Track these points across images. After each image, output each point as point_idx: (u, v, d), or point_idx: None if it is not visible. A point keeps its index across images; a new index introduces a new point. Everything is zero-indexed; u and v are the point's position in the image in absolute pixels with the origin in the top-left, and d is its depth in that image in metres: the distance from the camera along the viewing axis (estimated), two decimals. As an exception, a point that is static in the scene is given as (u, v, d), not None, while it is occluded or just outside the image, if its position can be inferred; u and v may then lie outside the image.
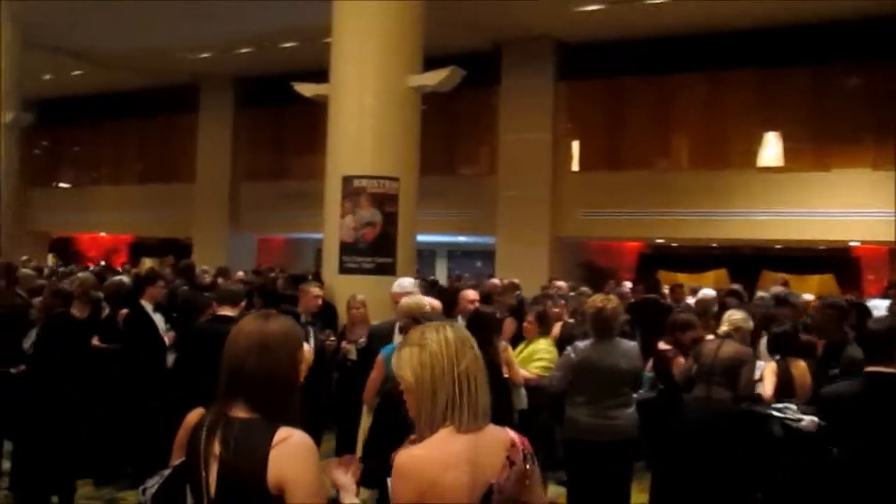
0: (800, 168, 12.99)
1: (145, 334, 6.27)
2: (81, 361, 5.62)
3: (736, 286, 9.85)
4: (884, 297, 9.58)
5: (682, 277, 14.21)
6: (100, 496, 6.02)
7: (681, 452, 5.15)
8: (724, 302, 7.72)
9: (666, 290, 10.07)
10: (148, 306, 6.42)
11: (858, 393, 3.70)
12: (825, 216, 12.37)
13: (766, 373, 5.28)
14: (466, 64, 9.07)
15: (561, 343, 5.88)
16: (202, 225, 18.70)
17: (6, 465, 5.99)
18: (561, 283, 9.98)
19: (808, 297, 9.48)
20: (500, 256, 14.89)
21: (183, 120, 19.57)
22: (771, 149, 13.58)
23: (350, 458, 2.23)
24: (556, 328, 6.50)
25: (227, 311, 5.19)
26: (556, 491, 5.74)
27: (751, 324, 5.48)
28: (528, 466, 2.05)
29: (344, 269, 8.16)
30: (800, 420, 4.78)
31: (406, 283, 6.15)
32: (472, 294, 6.45)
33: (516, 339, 6.24)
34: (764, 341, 5.92)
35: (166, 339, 6.36)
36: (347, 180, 8.18)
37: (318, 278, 8.30)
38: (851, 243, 13.34)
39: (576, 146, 15.38)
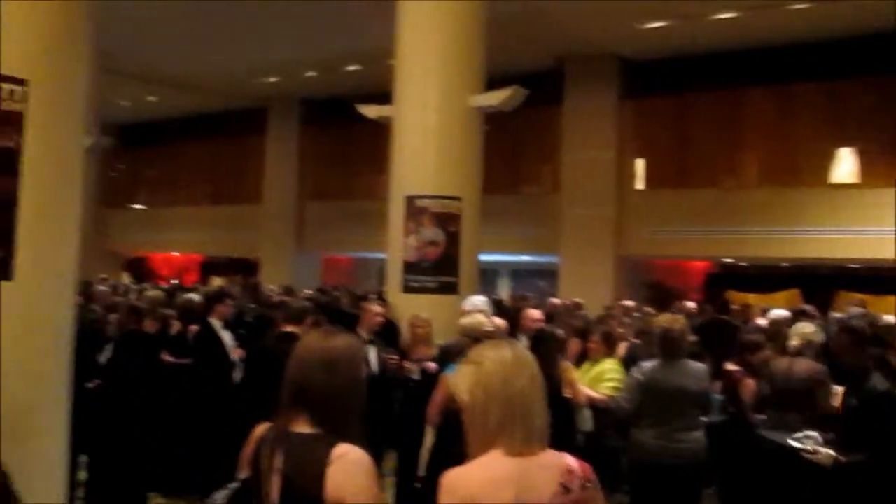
0: (874, 184, 12.51)
1: (214, 351, 6.41)
2: (153, 376, 5.78)
3: (807, 307, 9.52)
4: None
5: (752, 298, 13.82)
6: (169, 509, 6.16)
7: (751, 479, 4.97)
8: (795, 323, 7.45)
9: (735, 308, 9.82)
10: (217, 323, 6.57)
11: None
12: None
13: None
14: (529, 82, 9.06)
15: (626, 364, 5.77)
16: (269, 244, 19.10)
17: (83, 476, 6.17)
18: (628, 303, 9.83)
19: (890, 318, 9.06)
20: (564, 275, 14.75)
21: (251, 142, 20.09)
22: (844, 164, 13.14)
23: None
24: (622, 348, 6.39)
25: (292, 329, 5.27)
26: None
27: (822, 336, 5.23)
28: (586, 494, 1.97)
29: (407, 288, 8.19)
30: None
31: (478, 300, 6.14)
32: (535, 313, 6.41)
33: (581, 360, 6.15)
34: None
35: (234, 356, 6.49)
36: (410, 200, 8.23)
37: (381, 297, 8.36)
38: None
39: (640, 164, 15.18)
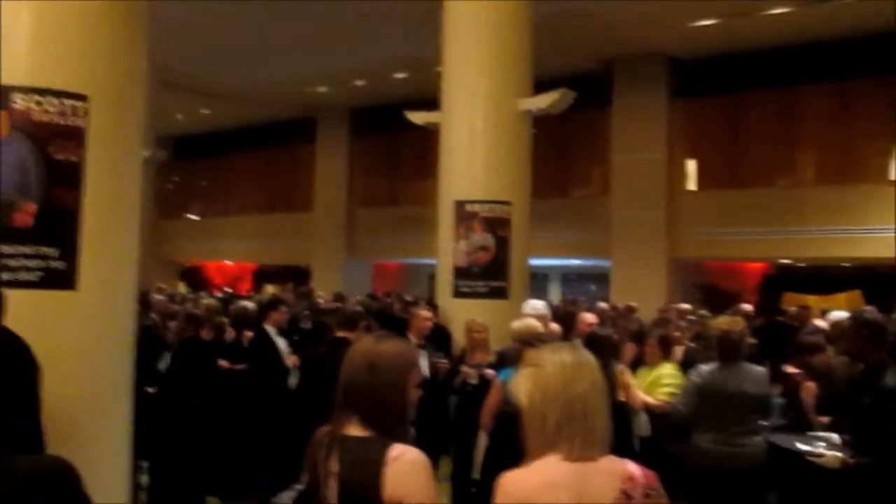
0: (938, 181, 12.12)
1: (268, 357, 6.51)
2: (210, 382, 5.90)
3: (869, 308, 9.22)
4: None
5: (811, 300, 13.44)
6: (227, 513, 6.25)
7: (812, 484, 4.83)
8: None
9: (792, 310, 9.58)
10: (271, 330, 6.66)
11: None
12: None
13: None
14: (577, 85, 9.00)
15: (683, 368, 5.67)
16: (320, 252, 19.33)
17: (145, 480, 6.32)
18: (683, 306, 9.68)
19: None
20: (616, 279, 14.60)
21: (301, 151, 20.38)
22: (905, 161, 12.75)
23: None
24: (678, 352, 6.29)
25: (345, 334, 5.32)
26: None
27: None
28: (648, 502, 1.92)
29: (457, 294, 8.20)
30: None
31: (538, 304, 6.11)
32: (590, 317, 6.37)
33: (636, 365, 6.07)
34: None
35: (288, 362, 6.57)
36: (460, 205, 8.25)
37: (430, 302, 8.38)
38: None
39: (692, 164, 14.95)
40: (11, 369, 3.29)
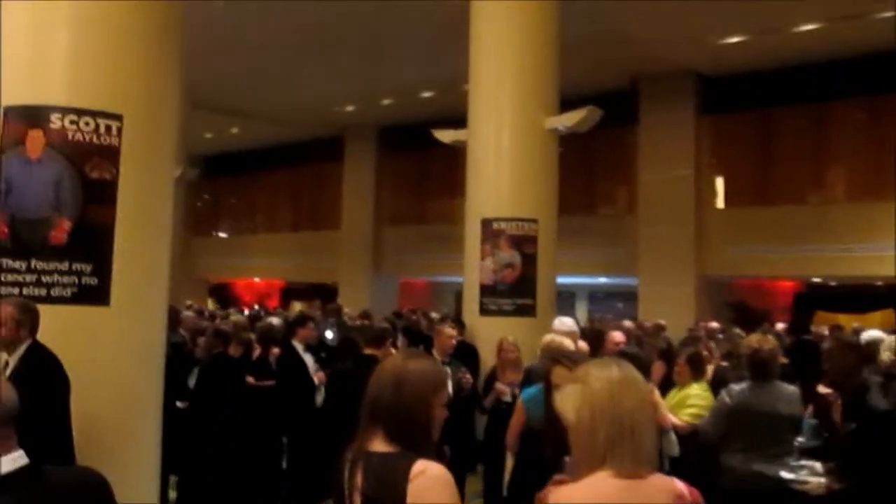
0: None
1: (296, 373, 6.54)
2: (238, 398, 5.94)
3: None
4: None
5: (843, 318, 13.24)
6: (254, 529, 6.26)
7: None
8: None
9: (824, 330, 9.43)
10: (299, 346, 6.71)
11: None
12: None
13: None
14: (603, 102, 9.00)
15: (714, 387, 5.59)
16: (347, 269, 19.41)
17: (173, 495, 6.36)
18: (712, 324, 9.57)
19: None
20: (644, 297, 14.47)
21: (329, 170, 20.55)
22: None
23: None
24: (708, 371, 6.20)
25: (372, 352, 5.34)
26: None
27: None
28: None
29: (484, 311, 8.19)
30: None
31: (567, 321, 6.10)
32: (618, 336, 6.31)
33: (666, 384, 5.99)
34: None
35: (315, 379, 6.60)
36: (486, 223, 8.26)
37: (455, 320, 8.37)
38: None
39: (720, 182, 14.83)
40: (42, 383, 3.35)
